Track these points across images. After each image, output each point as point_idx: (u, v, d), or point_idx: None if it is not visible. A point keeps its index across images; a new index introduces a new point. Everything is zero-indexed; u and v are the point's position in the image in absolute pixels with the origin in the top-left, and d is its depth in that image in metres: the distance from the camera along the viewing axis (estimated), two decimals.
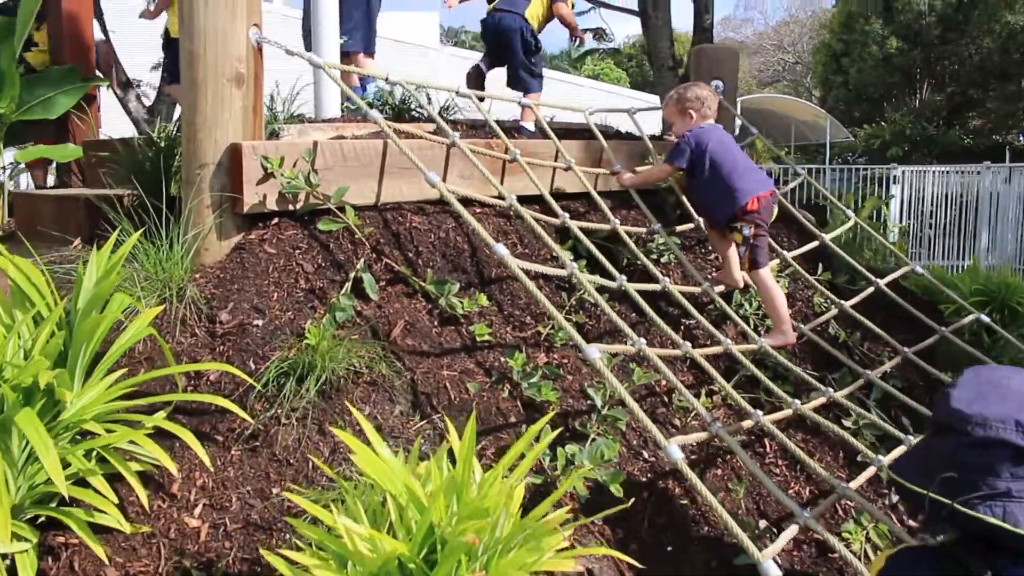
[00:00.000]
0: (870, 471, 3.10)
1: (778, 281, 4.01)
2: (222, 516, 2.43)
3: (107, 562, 2.24)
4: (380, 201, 3.53)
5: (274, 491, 2.49)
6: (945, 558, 1.56)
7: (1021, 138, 22.44)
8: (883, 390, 3.75)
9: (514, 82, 4.99)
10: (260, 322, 2.92)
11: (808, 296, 4.37)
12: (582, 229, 3.67)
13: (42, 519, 2.29)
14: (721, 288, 3.93)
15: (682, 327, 3.89)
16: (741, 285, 3.96)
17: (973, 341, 4.33)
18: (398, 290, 3.29)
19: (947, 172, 13.10)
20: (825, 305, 4.28)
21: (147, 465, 2.45)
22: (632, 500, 2.76)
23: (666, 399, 3.51)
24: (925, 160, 18.78)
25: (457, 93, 4.27)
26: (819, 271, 4.46)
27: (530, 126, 4.75)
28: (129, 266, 2.91)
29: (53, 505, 2.29)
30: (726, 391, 3.14)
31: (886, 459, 3.04)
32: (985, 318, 4.37)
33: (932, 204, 12.86)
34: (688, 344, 3.22)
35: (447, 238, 3.58)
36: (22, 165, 5.95)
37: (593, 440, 2.96)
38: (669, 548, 2.92)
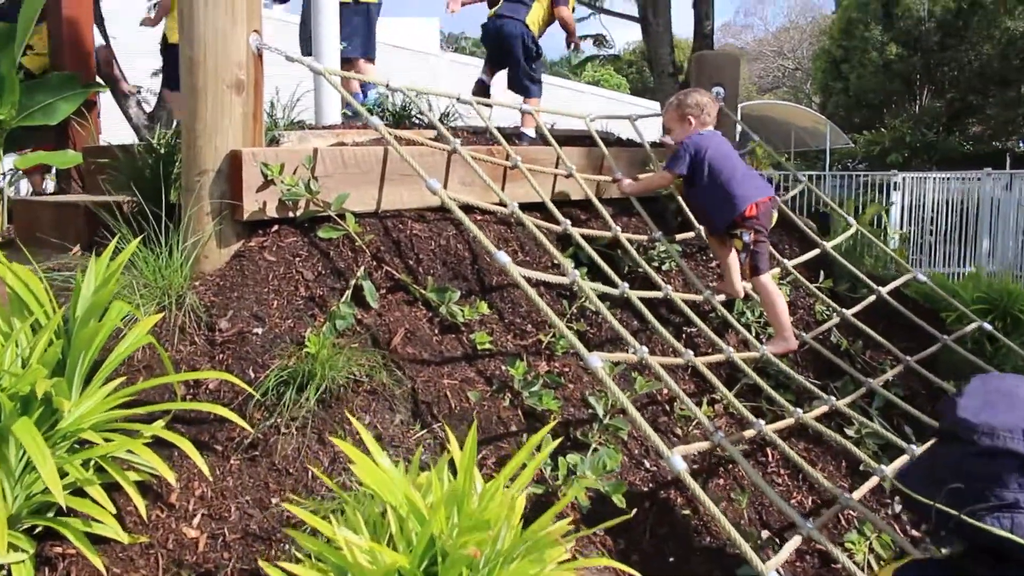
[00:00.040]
0: (873, 481, 3.08)
1: (780, 288, 3.99)
2: (221, 526, 2.41)
3: (105, 573, 2.22)
4: (381, 208, 3.51)
5: (273, 501, 2.48)
6: (952, 571, 1.55)
7: (1021, 144, 22.46)
8: (885, 399, 3.73)
9: (515, 86, 5.00)
10: (260, 330, 2.90)
11: (810, 304, 4.36)
12: (584, 236, 3.66)
13: (39, 529, 2.27)
14: (722, 297, 3.92)
15: (684, 335, 3.87)
16: (742, 295, 3.95)
17: (975, 349, 4.31)
18: (399, 298, 3.28)
19: (948, 178, 13.10)
20: (827, 313, 4.27)
21: (145, 475, 2.43)
22: (634, 510, 2.74)
23: (667, 408, 3.49)
24: (925, 166, 18.81)
25: (458, 100, 4.26)
26: (820, 278, 4.45)
27: (531, 132, 4.74)
28: (128, 273, 2.89)
29: (50, 515, 2.27)
30: (728, 399, 3.12)
31: (889, 468, 3.02)
32: (988, 326, 4.35)
33: (933, 211, 12.84)
34: (690, 352, 3.20)
35: (448, 245, 3.57)
36: (21, 171, 5.93)
37: (595, 450, 2.94)
38: (671, 559, 2.90)
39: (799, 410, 3.24)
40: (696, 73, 5.16)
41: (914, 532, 3.35)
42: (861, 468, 3.41)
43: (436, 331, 3.24)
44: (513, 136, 4.64)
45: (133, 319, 2.70)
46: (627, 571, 2.25)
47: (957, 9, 21.01)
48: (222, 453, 2.58)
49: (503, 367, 3.20)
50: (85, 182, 4.85)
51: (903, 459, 3.17)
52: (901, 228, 12.09)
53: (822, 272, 4.50)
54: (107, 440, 2.30)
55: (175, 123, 4.81)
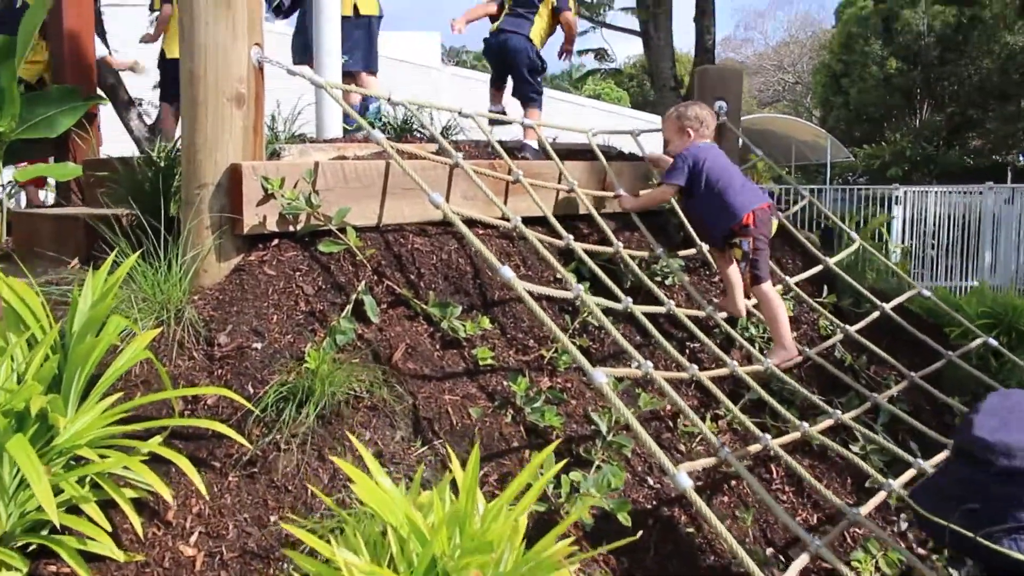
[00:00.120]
0: (879, 497, 3.05)
1: (784, 302, 3.97)
2: (218, 545, 2.37)
3: None
4: (382, 222, 3.49)
5: (272, 519, 2.44)
6: None
7: (1021, 158, 22.49)
8: (890, 414, 3.70)
9: (518, 95, 4.99)
10: (259, 345, 2.87)
11: (814, 319, 4.33)
12: (586, 251, 3.64)
13: (33, 547, 2.23)
14: (724, 315, 3.90)
15: (687, 350, 3.84)
16: (744, 314, 3.94)
17: (980, 365, 4.28)
18: (400, 313, 3.25)
19: (949, 192, 13.10)
20: (831, 328, 4.24)
21: (142, 492, 2.40)
22: (639, 532, 2.70)
23: (671, 424, 3.46)
24: (925, 180, 18.83)
25: (460, 114, 4.25)
26: (824, 294, 4.42)
27: (534, 144, 4.72)
28: (126, 287, 2.86)
29: (44, 533, 2.23)
30: (732, 414, 3.09)
31: (896, 483, 2.99)
32: (993, 341, 4.32)
33: (934, 224, 12.84)
34: (695, 367, 3.17)
35: (449, 260, 3.54)
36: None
37: (598, 467, 2.90)
38: None
39: (805, 424, 3.21)
40: (699, 87, 5.15)
41: (920, 549, 3.31)
42: (867, 485, 3.37)
43: (437, 346, 3.21)
44: (516, 149, 4.62)
45: (131, 333, 2.67)
46: None
47: (957, 24, 21.10)
48: (220, 470, 2.54)
49: (505, 383, 3.17)
50: (85, 195, 4.83)
51: (909, 474, 3.14)
52: (902, 242, 12.09)
53: (825, 287, 4.47)
54: (103, 457, 2.27)
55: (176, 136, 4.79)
